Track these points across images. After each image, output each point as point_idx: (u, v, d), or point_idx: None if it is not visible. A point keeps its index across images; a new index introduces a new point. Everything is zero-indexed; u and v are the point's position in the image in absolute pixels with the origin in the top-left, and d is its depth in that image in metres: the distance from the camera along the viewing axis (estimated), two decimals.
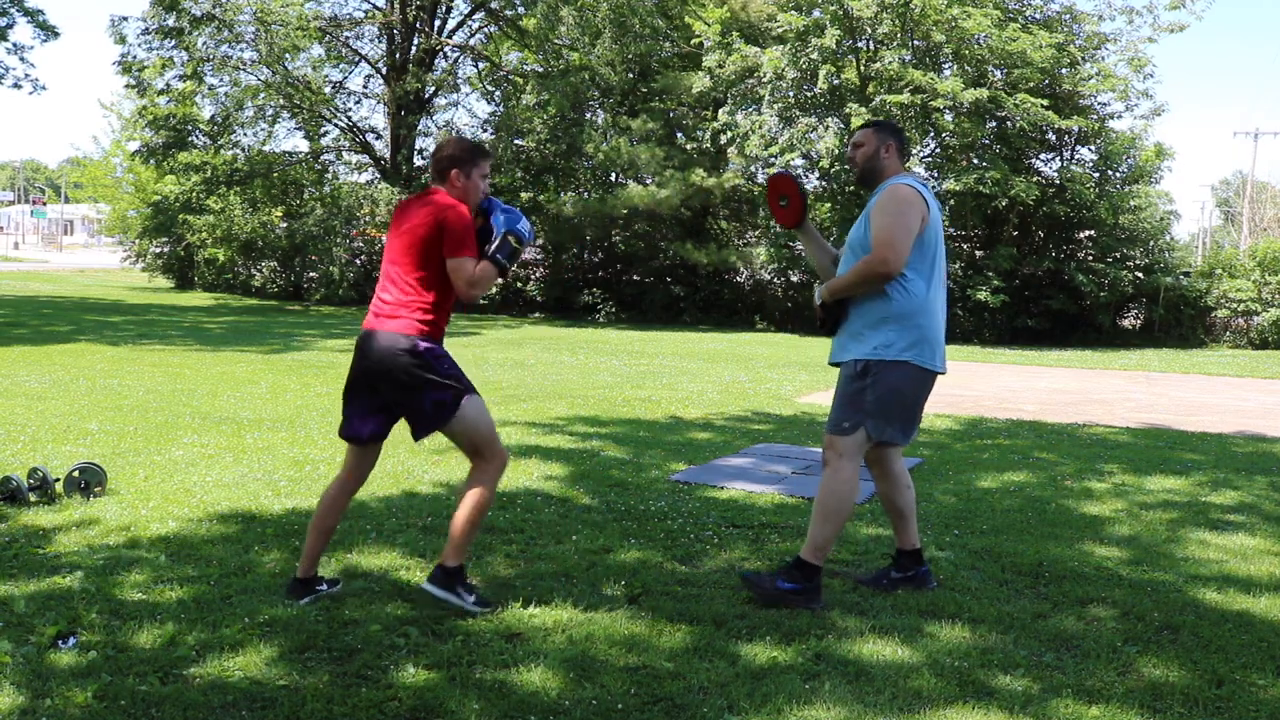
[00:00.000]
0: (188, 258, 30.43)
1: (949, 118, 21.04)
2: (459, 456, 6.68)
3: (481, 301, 26.43)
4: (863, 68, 21.74)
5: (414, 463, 6.49)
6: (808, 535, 4.10)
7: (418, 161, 26.85)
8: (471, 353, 14.56)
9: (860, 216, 4.23)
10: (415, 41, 26.12)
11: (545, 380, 11.51)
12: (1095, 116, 22.01)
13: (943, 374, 4.18)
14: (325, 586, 3.97)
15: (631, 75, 25.12)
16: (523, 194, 25.84)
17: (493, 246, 3.81)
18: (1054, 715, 3.15)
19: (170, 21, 24.05)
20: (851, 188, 22.36)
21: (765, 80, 22.34)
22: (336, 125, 27.29)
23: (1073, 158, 23.06)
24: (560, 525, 5.11)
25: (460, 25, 27.48)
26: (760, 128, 22.06)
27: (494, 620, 3.76)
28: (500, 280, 3.86)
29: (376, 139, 27.59)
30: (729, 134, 22.86)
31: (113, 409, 8.18)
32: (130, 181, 36.31)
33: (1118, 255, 22.53)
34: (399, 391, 3.79)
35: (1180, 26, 21.89)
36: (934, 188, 22.54)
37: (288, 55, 24.87)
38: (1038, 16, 22.22)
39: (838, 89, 21.73)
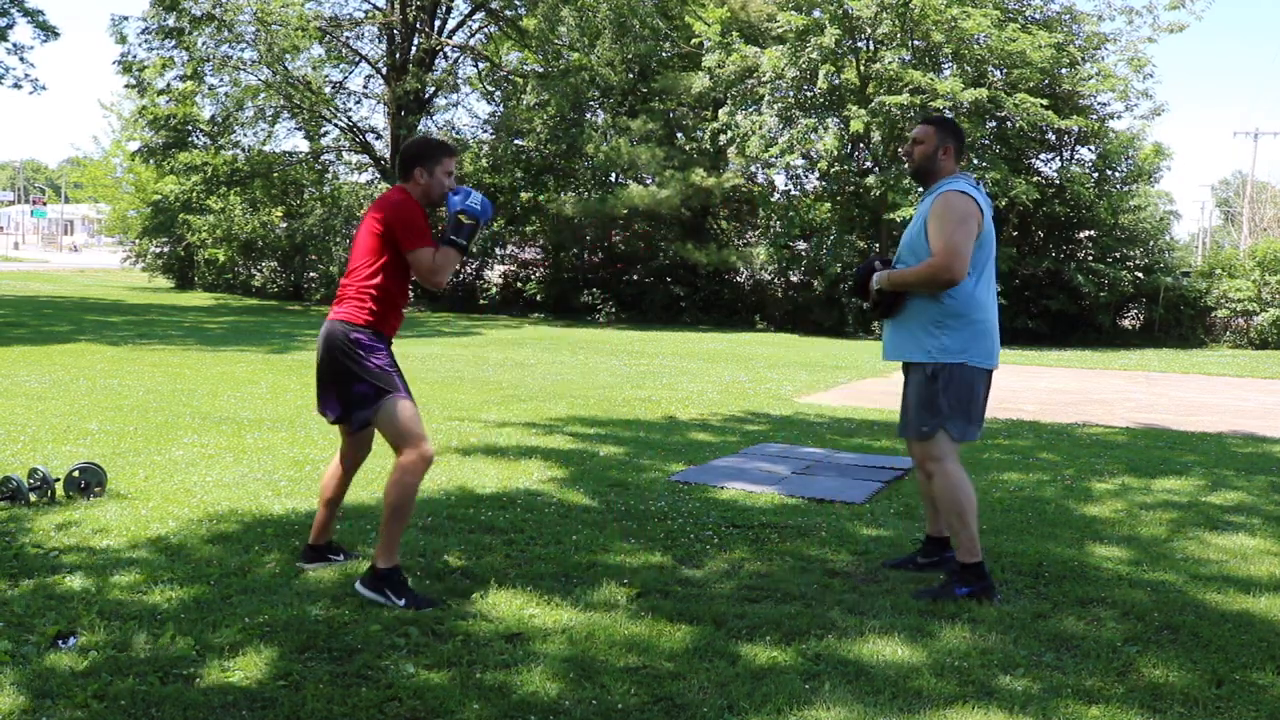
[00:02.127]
0: (188, 258, 30.44)
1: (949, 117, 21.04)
2: (458, 457, 6.69)
3: (481, 301, 26.44)
4: (862, 68, 21.75)
5: None
6: (955, 542, 4.24)
7: None
8: (471, 353, 14.56)
9: (914, 219, 4.32)
10: (415, 41, 26.12)
11: (545, 380, 11.51)
12: (1095, 116, 22.02)
13: (996, 368, 4.29)
14: (342, 557, 4.31)
15: (631, 75, 25.11)
16: (523, 194, 25.85)
17: (448, 230, 3.97)
18: (1054, 715, 3.15)
19: (170, 21, 24.06)
20: (851, 188, 22.38)
21: (765, 80, 22.35)
22: (336, 125, 27.29)
23: (1072, 158, 23.07)
24: (560, 525, 5.11)
25: (460, 25, 27.49)
26: (760, 128, 22.07)
27: (494, 620, 3.76)
28: (462, 260, 4.13)
29: (376, 139, 27.60)
30: (729, 134, 22.87)
31: (113, 409, 8.18)
32: (130, 181, 36.30)
33: (1117, 255, 22.54)
34: (333, 377, 4.00)
35: (1180, 26, 21.90)
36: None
37: (288, 55, 24.86)
38: (1037, 16, 22.22)
39: (837, 89, 21.73)
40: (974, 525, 4.19)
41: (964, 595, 4.12)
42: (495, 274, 27.93)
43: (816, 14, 21.64)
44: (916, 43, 21.39)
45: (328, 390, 4.07)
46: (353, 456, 4.26)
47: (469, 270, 27.04)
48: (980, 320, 4.19)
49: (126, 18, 25.02)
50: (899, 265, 4.32)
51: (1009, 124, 21.45)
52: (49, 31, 25.56)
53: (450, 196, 4.01)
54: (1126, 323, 23.69)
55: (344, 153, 28.28)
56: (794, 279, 24.51)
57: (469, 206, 3.98)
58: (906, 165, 4.50)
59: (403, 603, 3.84)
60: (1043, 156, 23.31)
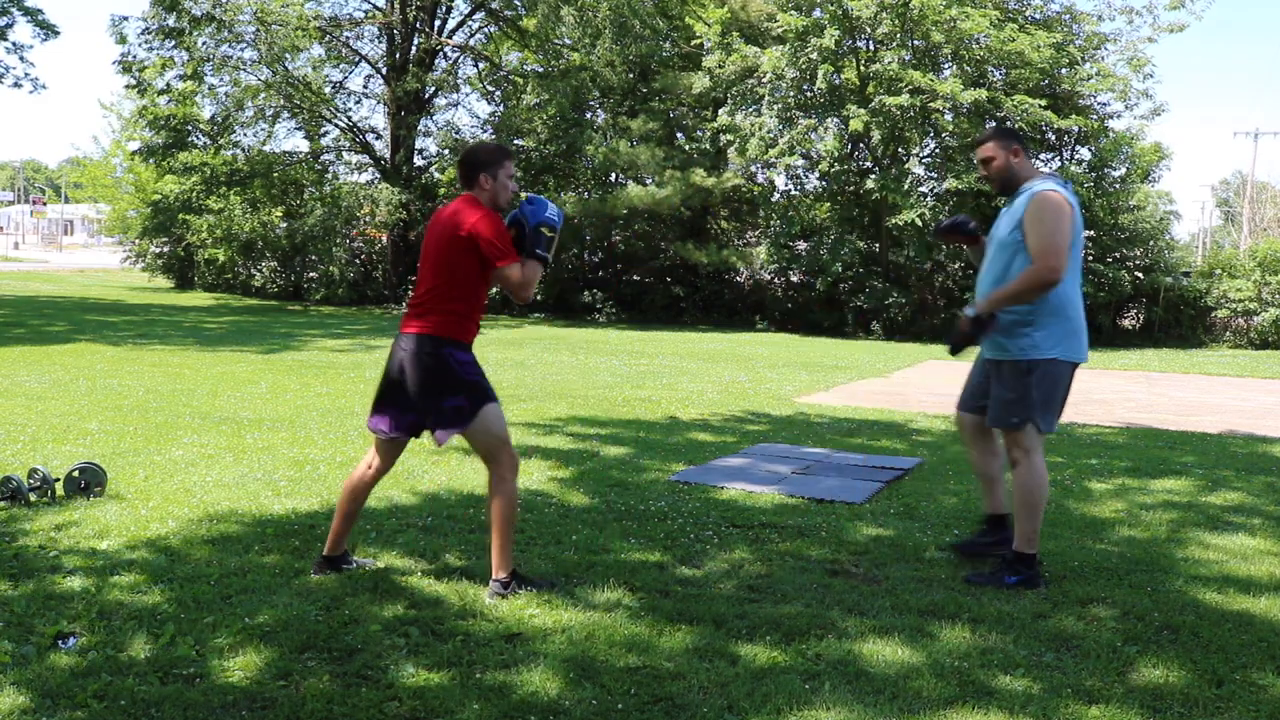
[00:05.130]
0: (188, 258, 30.42)
1: (949, 118, 21.04)
2: (458, 457, 6.69)
3: None
4: (862, 68, 21.74)
5: (414, 463, 6.49)
6: (1016, 530, 4.40)
7: (418, 161, 26.84)
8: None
9: (1003, 219, 4.45)
10: (415, 41, 26.09)
11: (545, 380, 11.51)
12: (1095, 116, 22.01)
13: (1084, 363, 4.46)
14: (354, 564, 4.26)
15: (631, 75, 25.09)
16: (523, 194, 25.80)
17: (530, 243, 3.99)
18: (1054, 715, 3.15)
19: (170, 21, 24.04)
20: (851, 188, 22.37)
21: (765, 81, 22.35)
22: (336, 125, 27.27)
23: (1072, 158, 23.06)
24: (560, 525, 5.11)
25: (460, 25, 27.46)
26: (760, 129, 22.06)
27: (494, 620, 3.77)
28: (545, 271, 4.16)
29: (376, 139, 27.58)
30: (729, 135, 22.86)
31: (113, 409, 8.18)
32: (130, 181, 36.28)
33: (1117, 255, 22.52)
34: (422, 392, 3.98)
35: (1180, 26, 21.90)
36: (934, 188, 22.59)
37: (288, 55, 24.83)
38: (1037, 16, 22.23)
39: (837, 89, 21.73)
40: (1040, 519, 4.38)
41: (1013, 584, 4.29)
42: None
43: (817, 14, 21.63)
44: (916, 43, 21.39)
45: (398, 404, 4.03)
46: (385, 467, 4.22)
47: None
48: (1072, 317, 4.33)
49: (126, 18, 25.02)
50: (992, 264, 4.42)
51: (1008, 124, 21.44)
52: (48, 30, 25.55)
53: (525, 207, 4.02)
54: (1126, 323, 23.67)
55: (344, 153, 28.25)
56: (794, 279, 24.50)
57: (548, 218, 4.00)
58: (992, 189, 4.61)
59: (535, 590, 4.00)
60: (1043, 156, 23.29)
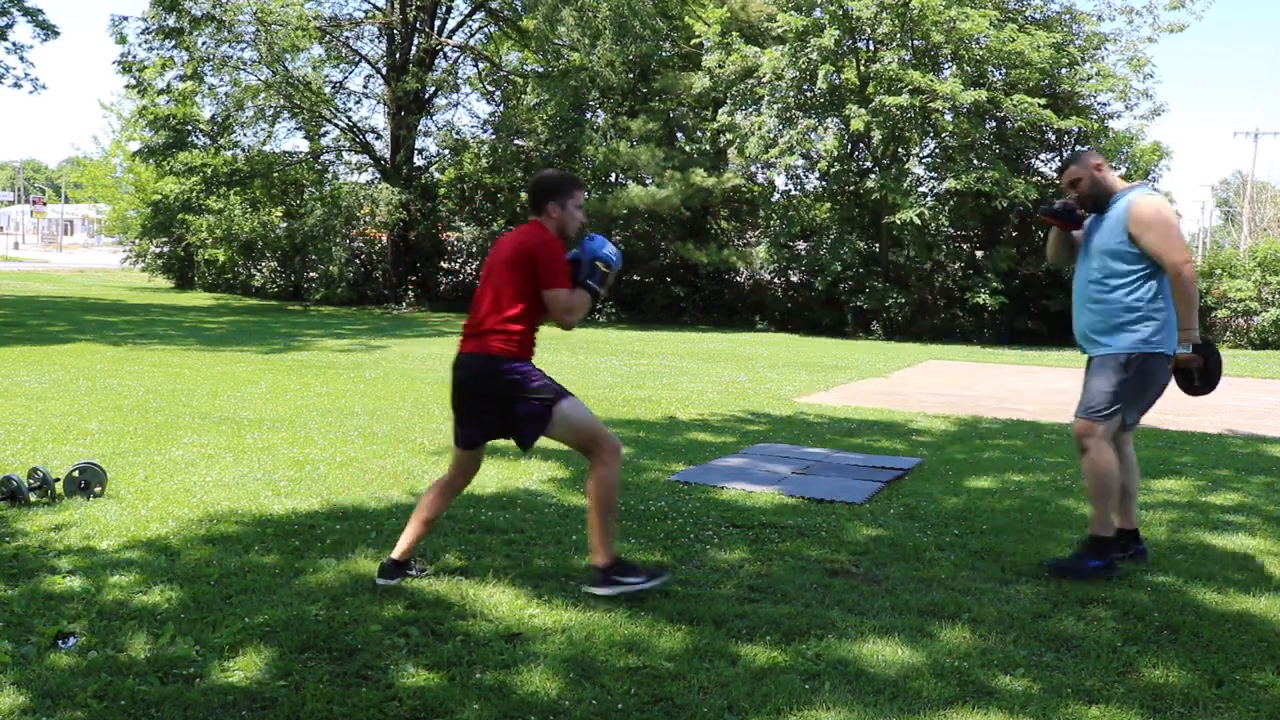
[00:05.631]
0: (188, 258, 30.42)
1: (949, 118, 21.03)
2: None
3: None
4: (862, 68, 21.74)
5: (414, 462, 6.50)
6: (1091, 516, 4.60)
7: (418, 161, 26.84)
8: None
9: (1103, 228, 4.57)
10: (415, 41, 26.09)
11: None
12: (1095, 116, 22.01)
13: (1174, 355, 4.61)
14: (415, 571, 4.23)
15: (631, 76, 25.09)
16: (523, 194, 25.85)
17: (584, 273, 4.08)
18: (1054, 715, 3.15)
19: (170, 21, 24.03)
20: (851, 188, 22.36)
21: (765, 81, 22.35)
22: (336, 125, 27.26)
23: None
24: (560, 525, 5.11)
25: (460, 25, 27.46)
26: (760, 129, 22.06)
27: (494, 620, 3.77)
28: (594, 304, 4.28)
29: (376, 139, 27.57)
30: (729, 135, 22.86)
31: (113, 409, 8.18)
32: (130, 181, 36.27)
33: None
34: (490, 408, 4.05)
35: (1180, 26, 21.88)
36: (934, 187, 22.61)
37: (288, 55, 24.83)
38: (1037, 16, 22.22)
39: (837, 89, 21.73)
40: (1111, 506, 4.54)
41: (1096, 567, 4.41)
42: None
43: (817, 14, 21.63)
44: (916, 43, 21.39)
45: (473, 417, 4.10)
46: (465, 478, 4.25)
47: (469, 270, 27.03)
48: (1169, 309, 4.48)
49: (126, 18, 25.01)
50: (1093, 270, 4.57)
51: (1008, 124, 21.45)
52: (48, 30, 25.55)
53: (585, 243, 4.11)
54: None
55: (344, 153, 28.24)
56: (794, 279, 24.50)
57: (606, 255, 4.10)
58: (1081, 213, 4.73)
59: (641, 579, 4.00)
60: (1043, 156, 23.31)
